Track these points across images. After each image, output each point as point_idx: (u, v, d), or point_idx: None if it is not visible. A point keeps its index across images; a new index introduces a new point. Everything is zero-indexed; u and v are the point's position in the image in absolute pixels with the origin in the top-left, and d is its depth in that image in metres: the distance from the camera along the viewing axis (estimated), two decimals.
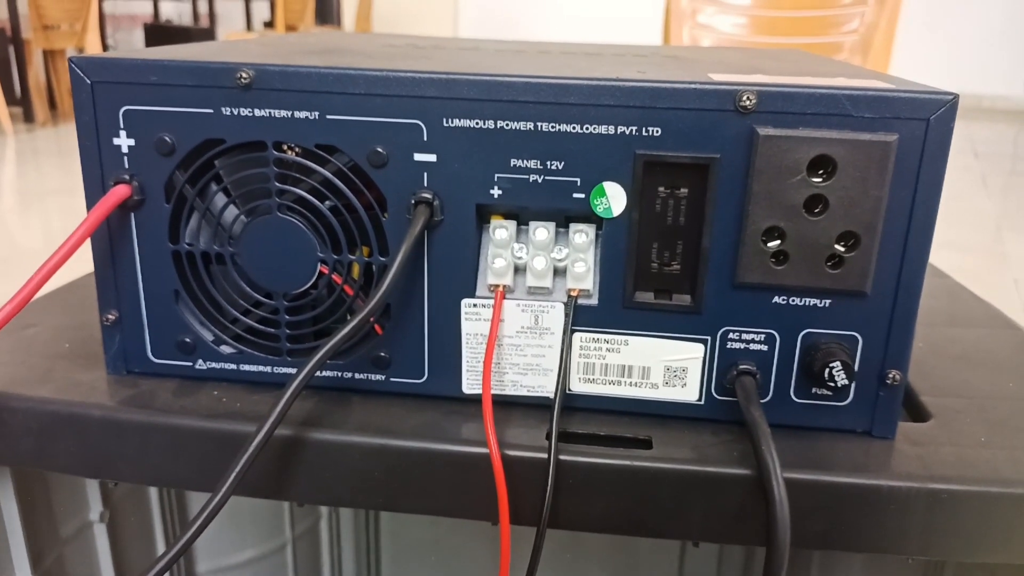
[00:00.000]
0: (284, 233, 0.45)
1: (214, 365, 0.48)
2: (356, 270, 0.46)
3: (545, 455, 0.42)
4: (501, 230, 0.44)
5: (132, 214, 0.46)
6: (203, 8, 5.59)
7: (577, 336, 0.45)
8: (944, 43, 4.72)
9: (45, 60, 4.25)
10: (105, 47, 4.38)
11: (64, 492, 0.66)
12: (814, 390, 0.44)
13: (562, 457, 0.42)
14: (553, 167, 0.42)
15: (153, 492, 0.78)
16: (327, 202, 0.44)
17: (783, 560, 0.37)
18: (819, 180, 0.40)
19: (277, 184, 0.44)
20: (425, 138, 0.42)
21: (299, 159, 0.44)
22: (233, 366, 0.48)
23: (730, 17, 1.90)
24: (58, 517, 0.66)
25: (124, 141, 0.44)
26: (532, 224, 0.44)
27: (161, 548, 0.79)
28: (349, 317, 0.47)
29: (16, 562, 0.58)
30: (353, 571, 0.98)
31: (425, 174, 0.43)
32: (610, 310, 0.44)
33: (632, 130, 0.41)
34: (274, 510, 0.87)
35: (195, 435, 0.45)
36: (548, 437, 0.43)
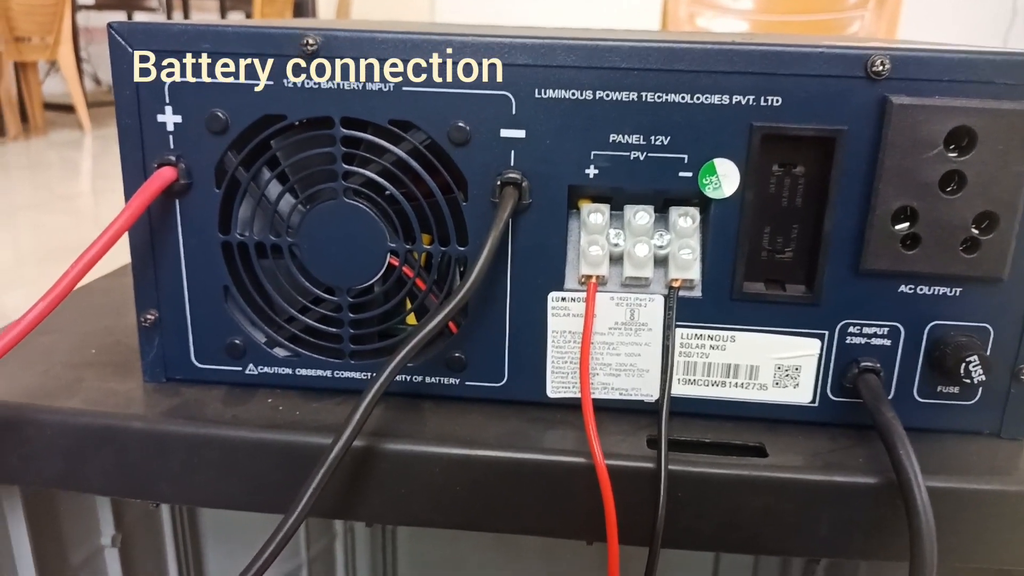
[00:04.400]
0: (350, 221, 0.40)
1: (266, 370, 0.43)
2: (429, 261, 0.41)
3: (651, 464, 0.38)
4: (596, 214, 0.39)
5: (177, 201, 0.41)
6: (178, 18, 5.52)
7: (677, 332, 0.40)
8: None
9: (16, 73, 4.14)
10: (79, 60, 4.29)
11: (75, 515, 0.60)
12: (939, 388, 0.40)
13: (671, 467, 0.38)
14: (657, 142, 0.38)
15: (165, 511, 0.72)
16: (399, 186, 0.40)
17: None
18: (955, 155, 0.36)
19: (344, 165, 0.39)
20: (514, 111, 0.38)
21: (370, 137, 0.39)
22: (288, 370, 0.43)
23: (729, 21, 1.89)
24: (67, 543, 0.60)
25: (170, 118, 0.39)
26: (629, 208, 0.40)
27: (173, 572, 0.73)
28: (414, 314, 0.42)
29: None
30: None
31: (512, 152, 0.39)
32: (715, 303, 0.40)
33: (750, 100, 0.37)
34: None
35: (251, 448, 0.40)
36: (652, 445, 0.39)
